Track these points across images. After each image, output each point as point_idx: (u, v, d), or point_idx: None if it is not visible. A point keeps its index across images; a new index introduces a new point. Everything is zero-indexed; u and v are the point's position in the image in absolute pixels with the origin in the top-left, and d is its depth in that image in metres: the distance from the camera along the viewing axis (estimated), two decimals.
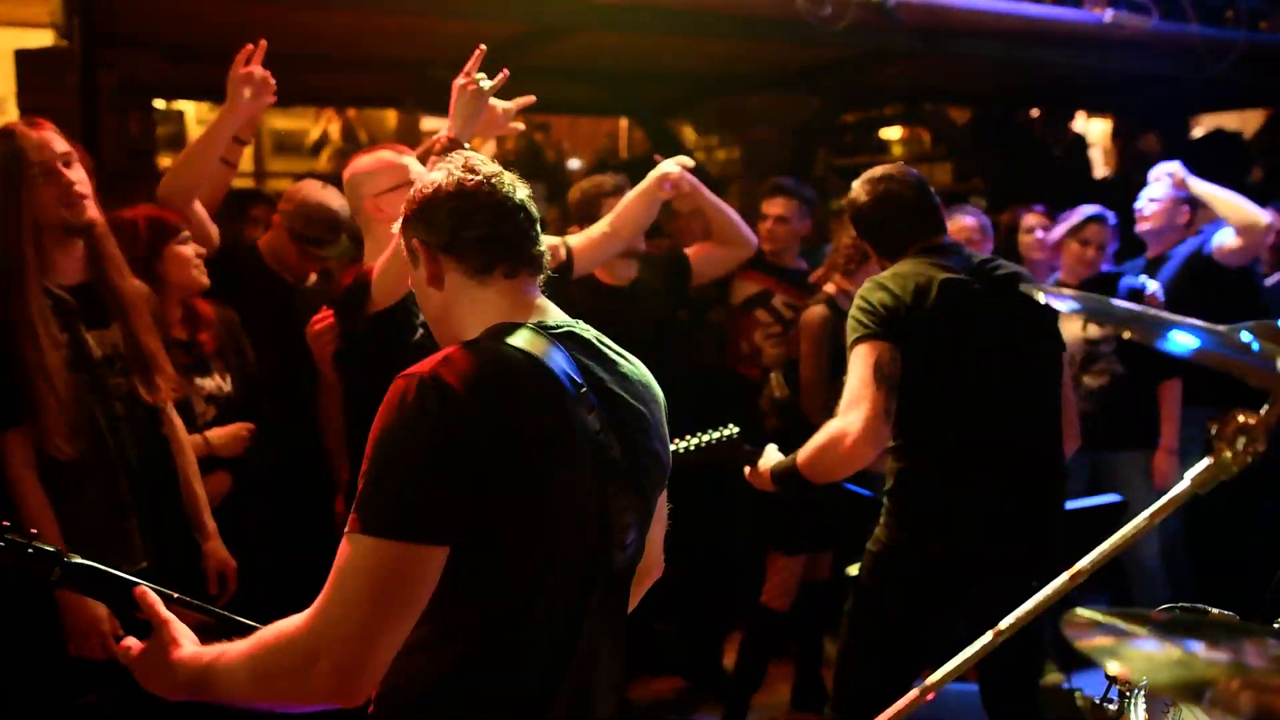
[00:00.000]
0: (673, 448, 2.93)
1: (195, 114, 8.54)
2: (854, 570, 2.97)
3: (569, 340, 1.71)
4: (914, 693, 1.35)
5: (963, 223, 4.29)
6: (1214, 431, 1.28)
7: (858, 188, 2.99)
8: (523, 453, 1.56)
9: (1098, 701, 2.01)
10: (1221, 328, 1.42)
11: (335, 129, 9.46)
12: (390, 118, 9.02)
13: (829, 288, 4.10)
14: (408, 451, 1.52)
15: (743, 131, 6.68)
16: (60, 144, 2.66)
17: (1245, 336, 1.39)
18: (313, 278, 3.96)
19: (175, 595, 1.74)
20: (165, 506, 2.84)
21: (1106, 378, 4.29)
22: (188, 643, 1.65)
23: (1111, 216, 4.46)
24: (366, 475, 1.54)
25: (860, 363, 2.72)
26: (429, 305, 1.78)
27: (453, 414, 1.53)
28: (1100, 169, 9.13)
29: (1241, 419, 1.28)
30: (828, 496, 3.03)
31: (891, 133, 10.00)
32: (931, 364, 2.76)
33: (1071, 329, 4.26)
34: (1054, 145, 8.02)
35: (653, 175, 3.49)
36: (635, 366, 1.81)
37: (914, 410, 2.76)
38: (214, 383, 3.34)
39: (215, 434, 3.27)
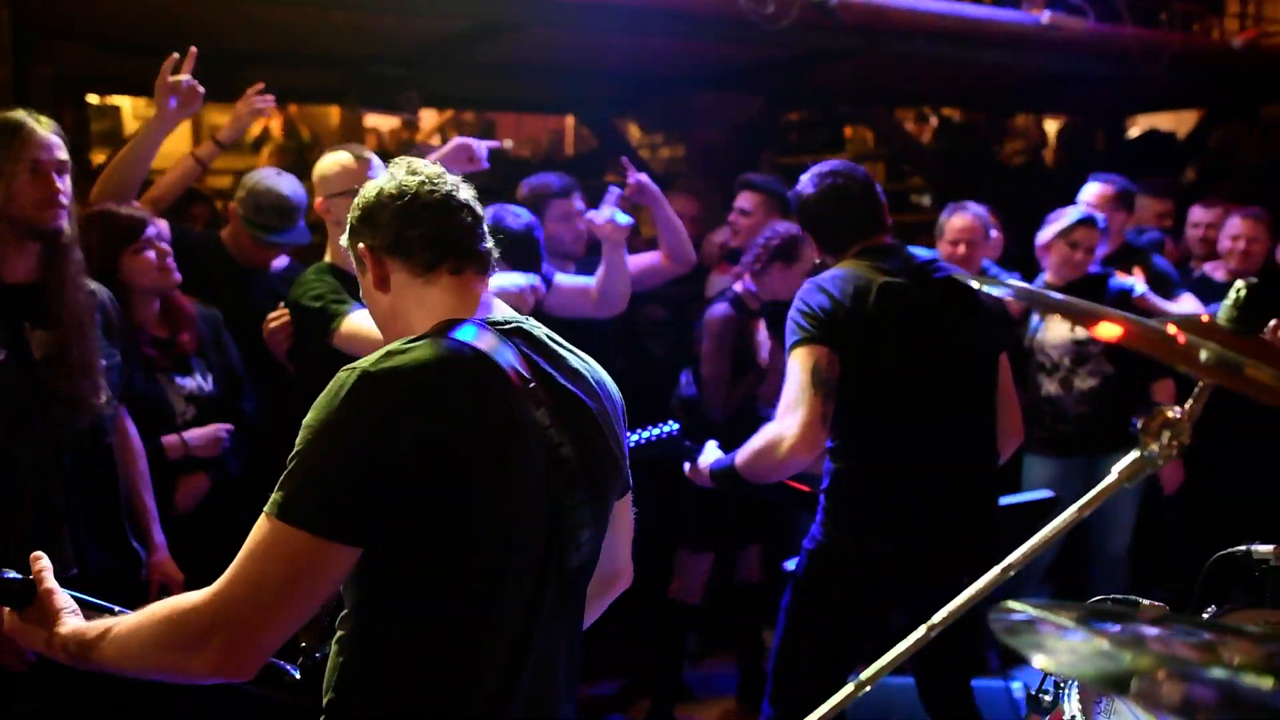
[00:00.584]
0: None
1: (132, 109, 8.39)
2: (793, 564, 2.99)
3: (518, 336, 1.69)
4: (848, 687, 1.36)
5: (965, 221, 4.36)
6: (1140, 426, 1.30)
7: (805, 181, 2.98)
8: (467, 449, 1.54)
9: (1033, 693, 2.04)
10: (1148, 320, 1.45)
11: (277, 125, 9.34)
12: (333, 114, 8.94)
13: (736, 286, 4.12)
14: (342, 447, 1.51)
15: (687, 130, 6.70)
16: (63, 153, 2.61)
17: (1170, 329, 1.42)
18: (279, 263, 3.90)
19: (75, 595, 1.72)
20: (102, 516, 2.75)
21: (1097, 379, 4.26)
22: (70, 615, 1.65)
23: (1101, 219, 4.47)
24: (297, 461, 1.52)
25: (798, 367, 2.72)
26: (377, 309, 1.76)
27: (393, 410, 1.51)
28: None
29: (1167, 414, 1.31)
30: (769, 494, 3.04)
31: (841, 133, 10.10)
32: (869, 367, 2.77)
33: (1060, 331, 4.27)
34: (996, 145, 8.16)
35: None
36: (588, 364, 1.80)
37: (851, 412, 2.77)
38: (194, 382, 3.29)
39: (192, 435, 3.21)
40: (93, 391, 2.65)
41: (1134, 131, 8.95)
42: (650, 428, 2.98)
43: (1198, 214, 5.13)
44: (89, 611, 1.69)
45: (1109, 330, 1.40)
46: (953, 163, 7.91)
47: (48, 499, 2.60)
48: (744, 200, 4.61)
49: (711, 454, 3.00)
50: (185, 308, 3.29)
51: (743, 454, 2.83)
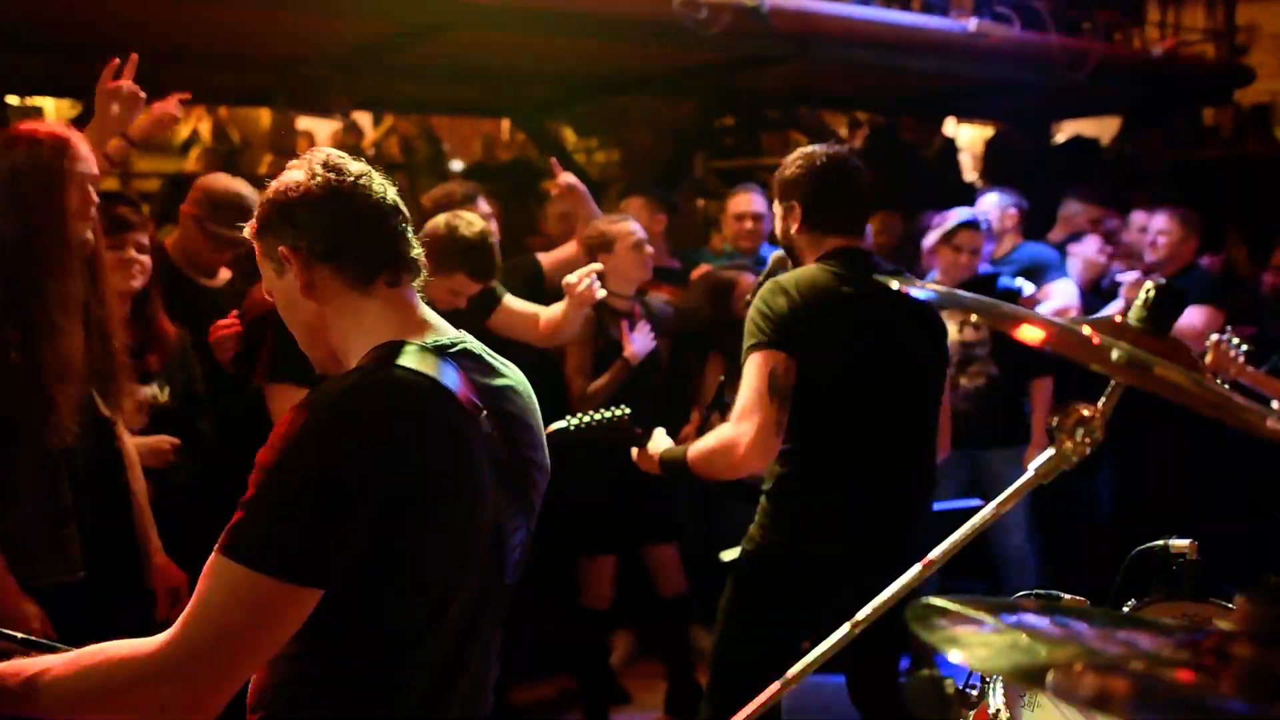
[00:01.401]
0: (563, 425, 2.98)
1: (55, 109, 8.20)
2: (728, 556, 3.00)
3: (462, 358, 1.64)
4: (774, 685, 1.37)
5: (1156, 223, 4.64)
6: (1055, 423, 1.33)
7: (820, 153, 2.89)
8: (429, 486, 1.51)
9: (960, 689, 2.07)
10: (1065, 320, 1.48)
11: (205, 128, 9.19)
12: (264, 116, 8.81)
13: None
14: (300, 487, 1.45)
15: (622, 134, 6.72)
16: (95, 167, 2.69)
17: (1085, 330, 1.45)
18: (224, 274, 3.86)
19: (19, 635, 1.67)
20: (111, 520, 2.75)
21: (982, 379, 4.43)
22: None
23: (984, 220, 4.59)
24: (254, 500, 1.45)
25: (754, 372, 2.71)
26: (298, 315, 1.67)
27: (357, 448, 1.46)
28: (970, 173, 9.44)
29: (1081, 412, 1.34)
30: (715, 486, 3.06)
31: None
32: (822, 372, 2.76)
33: (949, 333, 4.38)
34: (923, 149, 8.28)
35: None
36: (517, 377, 1.77)
37: (804, 416, 2.77)
38: (150, 391, 3.24)
39: (137, 442, 3.16)
40: (109, 398, 2.72)
41: (1060, 137, 9.15)
42: (601, 410, 2.99)
43: (1140, 219, 5.33)
44: (23, 650, 1.63)
45: (1031, 333, 1.43)
46: (882, 168, 8.01)
47: (57, 500, 2.59)
48: (631, 207, 4.70)
49: (661, 441, 3.00)
50: (163, 329, 3.26)
51: (696, 450, 2.83)
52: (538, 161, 7.17)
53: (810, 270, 2.82)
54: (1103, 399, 1.35)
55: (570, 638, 4.35)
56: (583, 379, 4.05)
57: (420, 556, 1.52)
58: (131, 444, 2.92)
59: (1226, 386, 3.74)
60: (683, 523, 4.35)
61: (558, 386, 4.12)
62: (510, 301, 3.76)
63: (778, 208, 2.96)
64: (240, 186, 3.75)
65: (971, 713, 1.98)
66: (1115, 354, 1.33)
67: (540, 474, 1.75)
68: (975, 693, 2.02)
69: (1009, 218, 5.05)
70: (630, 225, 4.10)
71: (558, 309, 3.71)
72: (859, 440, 2.81)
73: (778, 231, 3.02)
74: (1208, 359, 3.84)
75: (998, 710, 1.87)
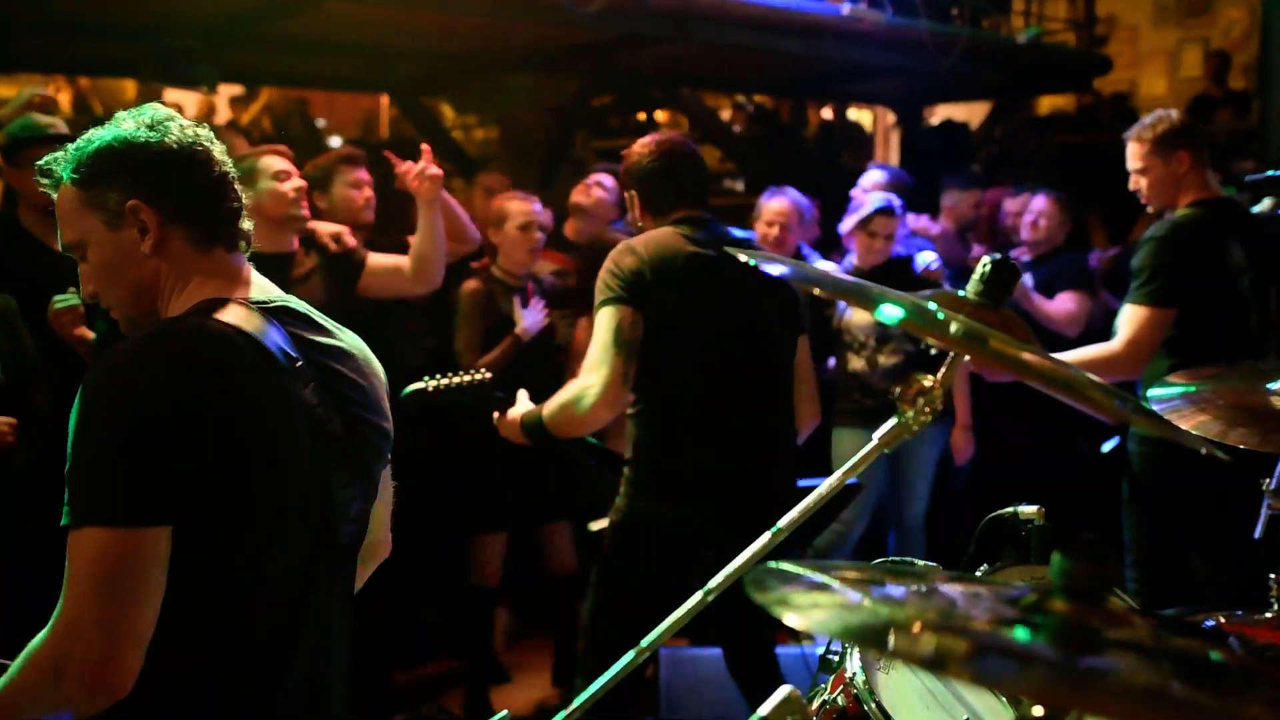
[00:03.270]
0: (421, 385, 2.98)
1: None
2: (596, 527, 3.03)
3: (283, 315, 1.67)
4: (629, 655, 1.40)
5: (781, 205, 4.60)
6: (897, 393, 1.38)
7: (643, 143, 3.06)
8: (237, 432, 1.53)
9: (822, 654, 2.14)
10: (913, 296, 1.53)
11: (66, 98, 8.79)
12: (129, 88, 8.47)
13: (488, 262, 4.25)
14: (121, 435, 1.47)
15: (501, 112, 6.66)
16: None
17: (931, 305, 1.50)
18: None
19: None
20: None
21: (899, 356, 4.48)
22: None
23: (900, 207, 4.66)
24: (78, 465, 1.47)
25: (603, 326, 2.81)
26: (128, 272, 1.63)
27: (164, 395, 1.48)
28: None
29: (922, 382, 1.39)
30: (574, 449, 3.09)
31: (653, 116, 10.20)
32: (671, 332, 2.86)
33: (865, 313, 4.46)
34: (803, 132, 8.43)
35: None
36: (352, 340, 1.79)
37: (652, 378, 2.86)
38: None
39: None
40: None
41: (934, 121, 9.40)
42: (461, 372, 2.99)
43: (1011, 204, 5.51)
44: None
45: (891, 312, 1.47)
46: (763, 149, 8.12)
47: None
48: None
49: (523, 404, 3.02)
50: None
51: (549, 407, 2.89)
52: (418, 140, 7.08)
53: (660, 232, 2.94)
54: (942, 370, 1.40)
55: (457, 617, 4.32)
56: (472, 354, 4.04)
57: (233, 504, 1.53)
58: None
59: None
60: (579, 500, 4.35)
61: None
62: (373, 260, 3.70)
63: (626, 197, 3.12)
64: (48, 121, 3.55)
65: (830, 678, 2.05)
66: (954, 327, 1.39)
67: (380, 438, 1.77)
68: (835, 659, 2.10)
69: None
70: (524, 206, 4.09)
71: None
72: (708, 402, 2.90)
73: (629, 220, 3.17)
74: None
75: (854, 675, 1.94)
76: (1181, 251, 3.42)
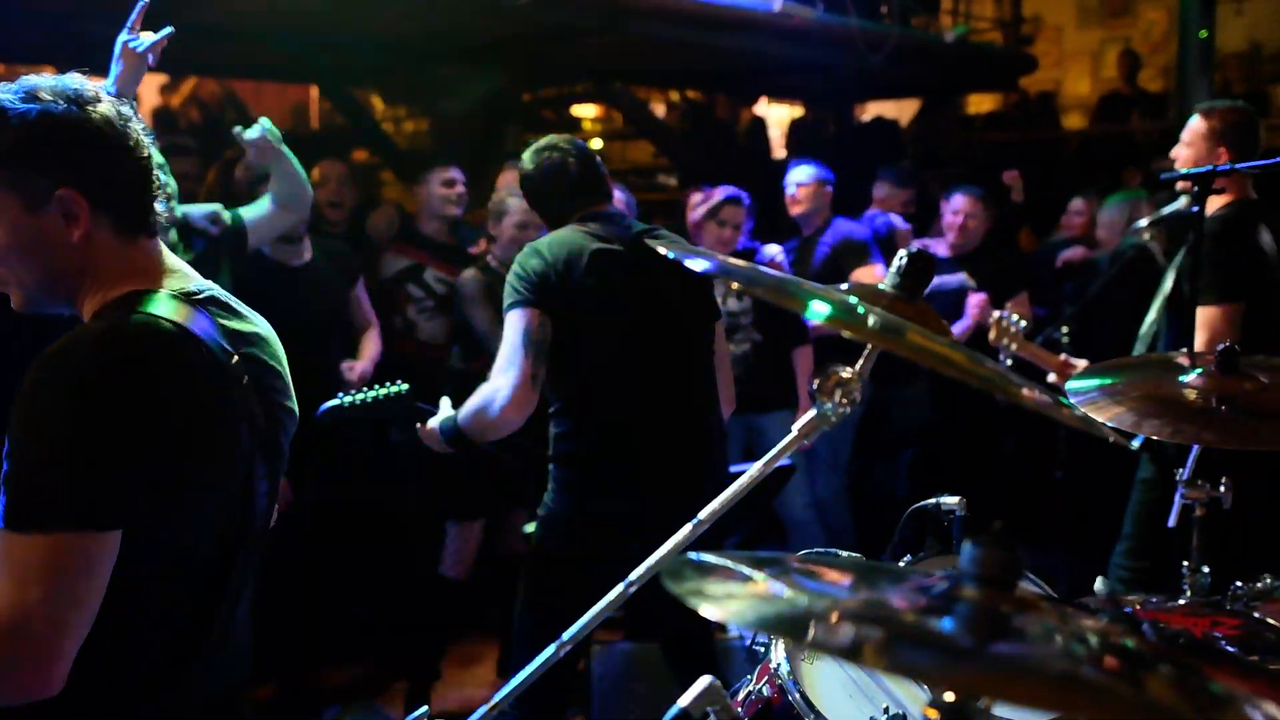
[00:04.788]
0: (336, 402, 2.94)
1: None
2: (529, 528, 3.03)
3: (210, 304, 1.63)
4: (550, 648, 1.39)
5: (960, 204, 4.78)
6: (816, 386, 1.39)
7: (525, 157, 3.08)
8: (187, 433, 1.49)
9: (750, 645, 2.15)
10: (831, 289, 1.54)
11: None
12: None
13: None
14: (74, 437, 1.42)
15: (431, 103, 6.60)
16: None
17: (852, 299, 1.52)
18: None
19: None
20: None
21: (747, 344, 4.64)
22: None
23: (746, 197, 4.74)
24: (26, 466, 1.41)
25: (511, 329, 2.82)
26: (46, 259, 1.56)
27: (118, 396, 1.44)
28: (780, 150, 9.71)
29: (840, 374, 1.40)
30: (499, 452, 3.08)
31: (586, 110, 10.19)
32: (585, 330, 2.87)
33: None
34: (735, 127, 8.47)
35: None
36: (264, 324, 1.76)
37: (570, 376, 2.87)
38: None
39: None
40: None
41: (866, 118, 9.51)
42: (379, 387, 2.96)
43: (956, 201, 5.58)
44: None
45: (819, 309, 1.47)
46: (696, 144, 8.15)
47: None
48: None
49: (446, 412, 3.00)
50: None
51: (463, 412, 2.89)
52: (349, 131, 6.99)
53: (563, 231, 2.95)
54: (860, 361, 1.42)
55: (416, 609, 4.27)
56: (497, 335, 4.10)
57: (172, 505, 1.50)
58: None
59: (1009, 362, 4.00)
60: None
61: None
62: (246, 214, 3.69)
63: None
64: None
65: (757, 669, 2.07)
66: (872, 320, 1.40)
67: (290, 419, 1.75)
68: (762, 649, 2.11)
69: (824, 195, 5.16)
70: (524, 204, 4.04)
71: None
72: (627, 396, 2.91)
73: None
74: (990, 335, 4.07)
75: (778, 665, 1.95)
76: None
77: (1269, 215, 3.69)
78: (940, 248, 5.29)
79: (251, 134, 3.54)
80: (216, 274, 3.52)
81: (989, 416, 4.97)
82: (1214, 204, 3.53)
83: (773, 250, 4.68)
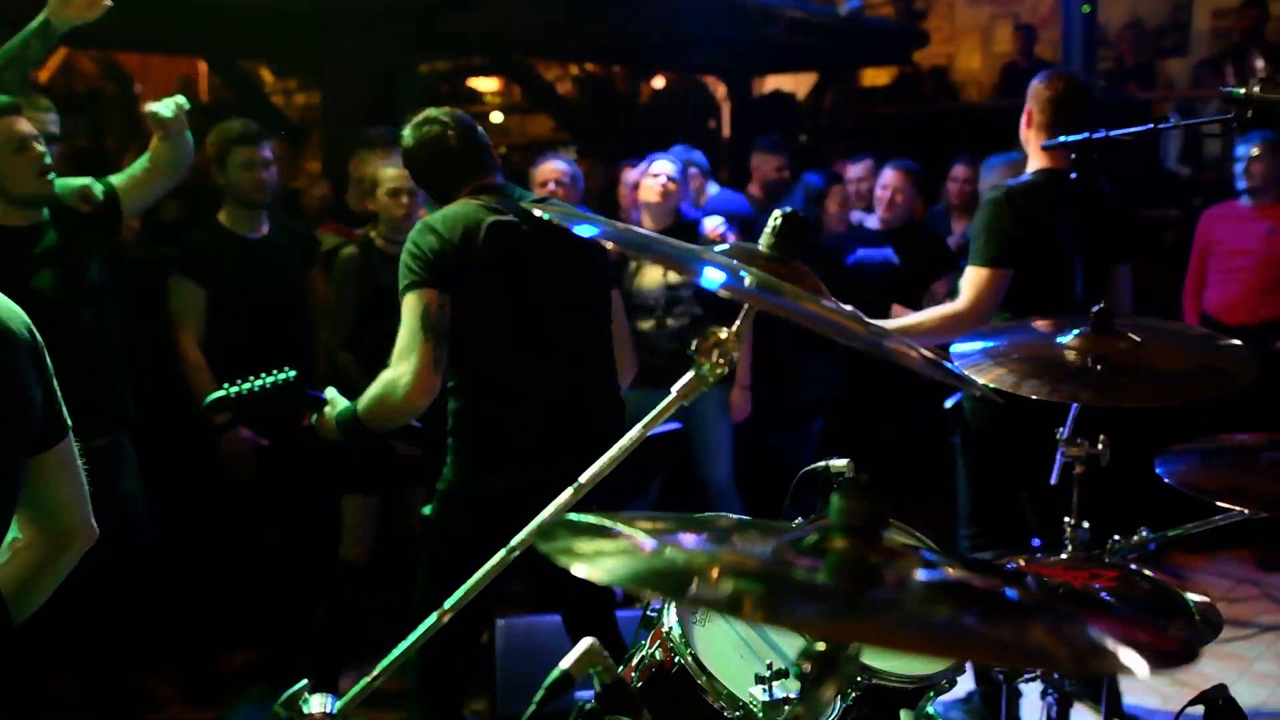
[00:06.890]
0: (222, 393, 2.84)
1: None
2: (429, 510, 2.99)
3: None
4: (432, 617, 1.38)
5: (552, 169, 4.48)
6: (695, 347, 1.39)
7: (405, 133, 3.00)
8: None
9: (645, 612, 2.15)
10: (711, 250, 1.54)
11: None
12: None
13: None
14: None
15: (323, 76, 6.45)
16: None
17: (730, 261, 1.52)
18: None
19: None
20: None
21: (687, 319, 4.61)
22: None
23: (684, 167, 4.74)
24: None
25: (409, 312, 2.75)
26: None
27: None
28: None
29: (718, 335, 1.41)
30: (398, 438, 3.04)
31: (485, 83, 10.06)
32: (482, 304, 2.82)
33: (654, 276, 4.57)
34: (635, 100, 8.46)
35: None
36: (10, 305, 1.68)
37: (467, 350, 2.82)
38: None
39: None
40: None
41: (765, 91, 9.57)
42: (264, 375, 2.86)
43: (852, 170, 5.63)
44: None
45: (713, 277, 1.47)
46: (595, 116, 8.12)
47: None
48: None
49: (338, 402, 2.94)
50: None
51: (363, 402, 2.81)
52: (238, 104, 6.79)
53: (456, 206, 2.89)
54: (737, 322, 1.42)
55: (322, 591, 4.20)
56: (335, 321, 4.08)
57: None
58: None
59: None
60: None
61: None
62: (119, 182, 3.59)
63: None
64: None
65: (650, 633, 2.08)
66: (748, 279, 1.41)
67: (17, 414, 1.65)
68: (655, 615, 2.12)
69: (692, 178, 5.19)
70: (395, 172, 3.98)
71: None
72: (525, 367, 2.87)
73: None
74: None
75: (670, 628, 1.97)
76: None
77: (1082, 187, 3.58)
78: (871, 220, 5.37)
79: (166, 110, 3.43)
80: (87, 261, 3.39)
81: (902, 388, 5.04)
82: (1023, 171, 3.64)
83: (715, 221, 4.65)
